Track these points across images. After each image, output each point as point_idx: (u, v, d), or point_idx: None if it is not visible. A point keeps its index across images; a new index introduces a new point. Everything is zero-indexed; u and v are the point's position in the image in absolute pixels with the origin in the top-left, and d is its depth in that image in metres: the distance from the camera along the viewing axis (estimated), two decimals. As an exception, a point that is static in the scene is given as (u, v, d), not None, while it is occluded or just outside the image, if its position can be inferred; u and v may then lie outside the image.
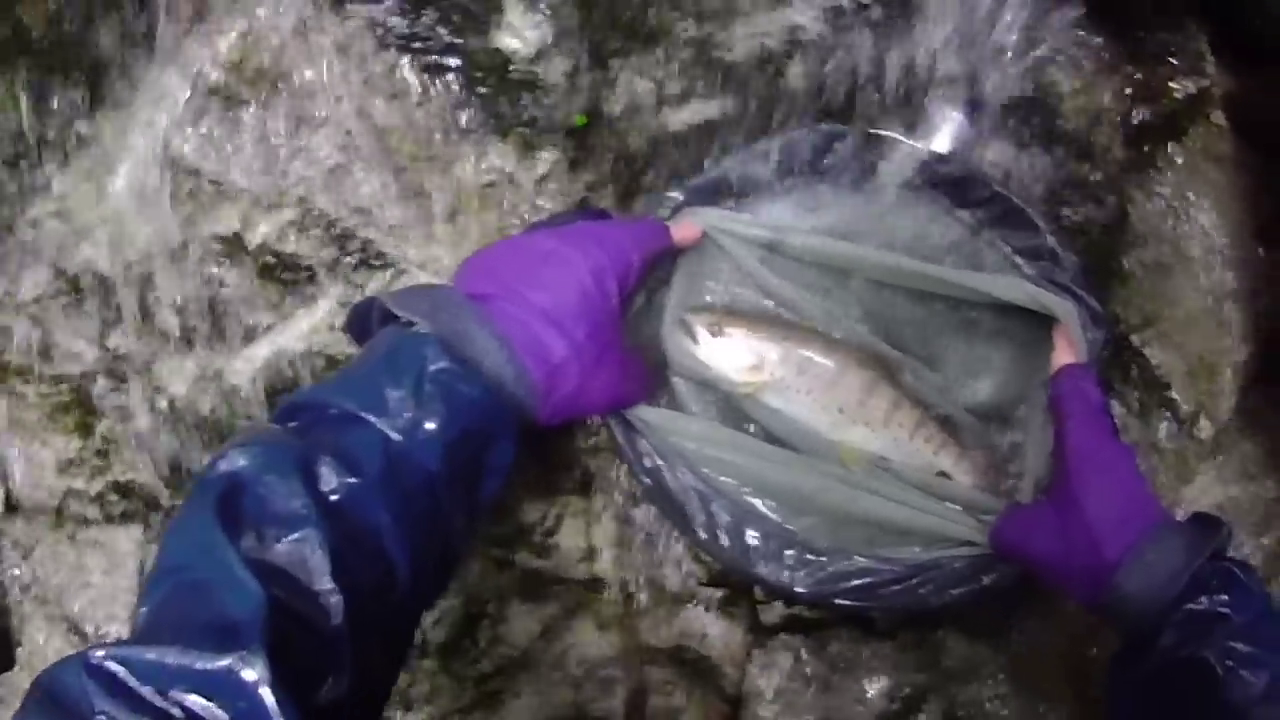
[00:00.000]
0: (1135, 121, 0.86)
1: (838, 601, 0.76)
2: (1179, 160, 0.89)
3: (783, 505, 0.78)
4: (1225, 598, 0.59)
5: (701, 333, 0.76)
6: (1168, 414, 0.88)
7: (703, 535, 0.76)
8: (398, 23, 0.77)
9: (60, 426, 0.91)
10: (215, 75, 0.79)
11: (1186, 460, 0.89)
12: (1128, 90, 0.86)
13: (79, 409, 0.90)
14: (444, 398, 0.55)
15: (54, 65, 0.80)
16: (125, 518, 0.93)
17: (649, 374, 0.75)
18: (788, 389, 0.78)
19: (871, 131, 0.78)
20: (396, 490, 0.52)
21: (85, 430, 0.91)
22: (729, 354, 0.76)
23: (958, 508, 0.79)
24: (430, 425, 0.54)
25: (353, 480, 0.50)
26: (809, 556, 0.76)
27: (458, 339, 0.57)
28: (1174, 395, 0.87)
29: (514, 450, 0.60)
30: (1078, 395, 0.72)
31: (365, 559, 0.50)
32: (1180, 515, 0.88)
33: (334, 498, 0.50)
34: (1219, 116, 0.91)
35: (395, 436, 0.53)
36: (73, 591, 0.97)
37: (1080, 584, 0.66)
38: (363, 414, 0.53)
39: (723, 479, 0.78)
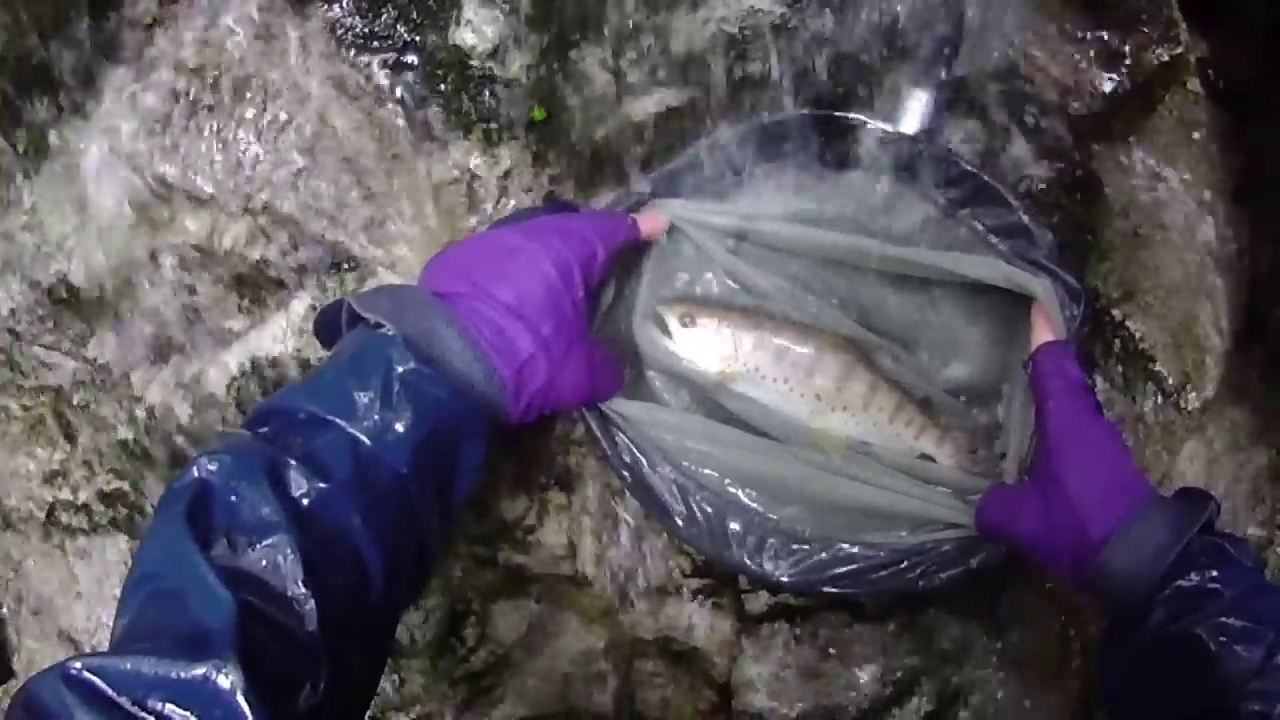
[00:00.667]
0: (1108, 91, 0.85)
1: (824, 589, 0.76)
2: (1154, 128, 0.89)
3: (764, 495, 0.78)
4: (1215, 573, 0.59)
5: (673, 324, 0.76)
6: (1153, 386, 0.87)
7: (684, 528, 0.76)
8: (357, 23, 0.77)
9: (43, 439, 0.92)
10: (178, 82, 0.79)
11: (1174, 433, 0.88)
12: (1099, 60, 0.85)
13: (61, 420, 0.91)
14: (411, 399, 0.55)
15: (19, 78, 0.80)
16: (112, 526, 0.94)
17: (620, 366, 0.75)
18: (764, 377, 0.78)
19: (838, 115, 0.77)
20: (367, 493, 0.52)
21: (69, 441, 0.92)
22: (702, 344, 0.76)
23: (942, 490, 0.79)
24: (399, 427, 0.55)
25: (322, 485, 0.51)
26: (793, 546, 0.77)
27: (424, 338, 0.57)
28: (1158, 367, 0.87)
29: (485, 449, 0.61)
30: (1057, 373, 0.72)
31: (338, 563, 0.50)
32: (1169, 490, 0.89)
33: (304, 503, 0.50)
34: (1194, 84, 0.90)
35: (364, 439, 0.54)
36: (65, 601, 0.98)
37: (1066, 563, 0.66)
38: (331, 417, 0.54)
39: (703, 470, 0.78)
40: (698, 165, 0.77)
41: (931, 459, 0.80)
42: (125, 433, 0.88)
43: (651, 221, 0.75)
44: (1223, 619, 0.57)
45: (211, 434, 0.84)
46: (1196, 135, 0.90)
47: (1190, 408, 0.87)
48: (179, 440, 0.86)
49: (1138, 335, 0.86)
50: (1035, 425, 0.74)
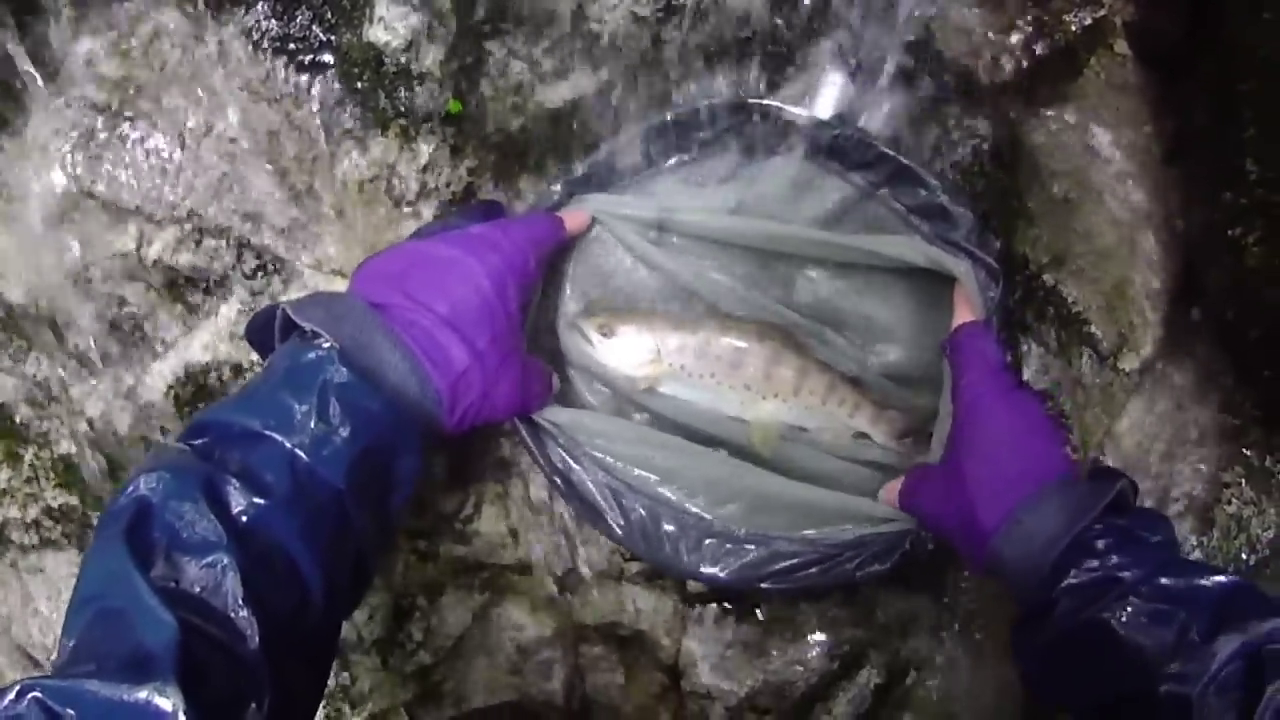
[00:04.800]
0: (1032, 56, 0.89)
1: (763, 586, 0.79)
2: (1081, 92, 0.92)
3: (698, 495, 0.81)
4: (1116, 558, 0.59)
5: (594, 336, 0.80)
6: (1089, 350, 0.91)
7: (619, 531, 0.79)
8: (273, 26, 0.81)
9: (-12, 458, 0.96)
10: (100, 95, 0.83)
11: (1113, 395, 0.92)
12: (1021, 24, 0.88)
13: (5, 438, 0.95)
14: (347, 412, 0.58)
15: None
16: (64, 540, 0.98)
17: (551, 377, 0.79)
18: (690, 375, 0.81)
19: (753, 102, 0.81)
20: (305, 508, 0.55)
21: (14, 459, 0.96)
22: (624, 352, 0.80)
23: (877, 475, 0.82)
24: (336, 440, 0.57)
25: (261, 501, 0.53)
26: (728, 545, 0.80)
27: (361, 350, 0.60)
28: (1094, 330, 0.90)
29: (420, 460, 0.63)
30: (974, 353, 0.74)
31: (278, 580, 0.53)
32: (1109, 454, 0.93)
33: (243, 519, 0.52)
34: (1121, 46, 0.94)
35: (301, 454, 0.56)
36: (22, 618, 1.02)
37: (965, 549, 0.68)
38: (267, 432, 0.56)
39: (636, 473, 0.81)
40: (614, 160, 0.81)
41: (868, 437, 0.84)
42: (68, 447, 0.92)
43: (574, 219, 0.79)
44: (1129, 604, 0.57)
45: (150, 449, 0.88)
46: (1124, 98, 0.94)
47: (1128, 369, 0.91)
48: (121, 451, 0.90)
49: (1070, 300, 0.90)
50: (952, 406, 0.76)
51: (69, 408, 0.90)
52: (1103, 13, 0.91)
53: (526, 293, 0.71)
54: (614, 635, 0.91)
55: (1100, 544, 0.60)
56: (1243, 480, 0.99)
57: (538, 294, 0.81)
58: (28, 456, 0.95)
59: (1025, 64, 0.89)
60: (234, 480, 0.53)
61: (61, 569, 1.00)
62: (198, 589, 0.49)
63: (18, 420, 0.93)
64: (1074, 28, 0.90)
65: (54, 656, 1.00)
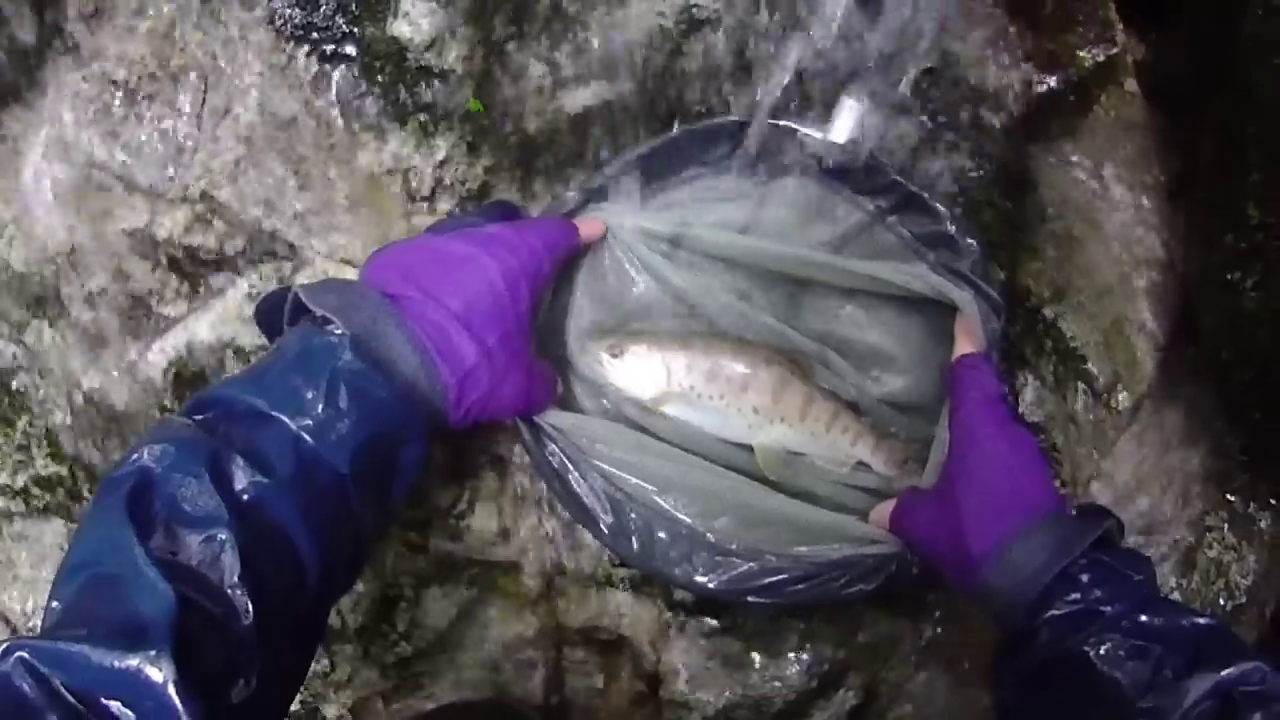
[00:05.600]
0: (1043, 91, 0.91)
1: (750, 599, 0.81)
2: (1090, 128, 0.95)
3: (694, 507, 0.82)
4: (1099, 592, 0.62)
5: (604, 358, 0.82)
6: (1084, 386, 0.93)
7: (612, 538, 0.81)
8: (296, 14, 0.82)
9: (-20, 424, 0.98)
10: (119, 71, 0.84)
11: (1104, 433, 0.94)
12: (1035, 60, 0.91)
13: (-1, 405, 0.96)
14: (355, 399, 0.59)
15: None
16: (49, 510, 0.99)
17: (555, 379, 0.80)
18: (699, 396, 0.83)
19: (771, 122, 0.82)
20: (307, 491, 0.56)
21: (7, 426, 0.97)
22: (634, 373, 0.82)
23: (869, 498, 0.84)
24: (341, 426, 0.58)
25: (264, 480, 0.54)
26: (718, 558, 0.81)
27: (372, 339, 0.61)
28: (1090, 367, 0.93)
29: (424, 451, 0.65)
30: (973, 384, 0.76)
31: (275, 559, 0.54)
32: (1098, 490, 0.95)
33: (245, 497, 0.53)
34: (1131, 84, 0.96)
35: (306, 437, 0.57)
36: (2, 584, 1.03)
37: (953, 574, 0.70)
38: (274, 412, 0.57)
39: (633, 481, 0.82)
40: (629, 171, 0.82)
41: (867, 466, 0.86)
42: (63, 418, 0.93)
43: (589, 227, 0.80)
44: (1108, 638, 0.59)
45: (154, 423, 0.89)
46: (1132, 136, 0.97)
47: (1121, 407, 0.94)
48: (116, 426, 0.91)
49: (1069, 335, 0.92)
50: (949, 434, 0.77)
51: (67, 379, 0.91)
52: (1115, 50, 0.94)
53: (537, 295, 0.72)
54: (596, 640, 0.93)
55: (1085, 578, 0.63)
56: (1225, 525, 1.01)
57: (548, 297, 0.82)
58: (21, 424, 0.96)
59: (1039, 98, 0.91)
60: (238, 458, 0.54)
61: (46, 538, 1.01)
62: (196, 562, 0.50)
63: (14, 387, 0.94)
64: (1086, 64, 0.93)
65: (32, 623, 1.02)
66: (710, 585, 0.81)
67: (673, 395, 0.82)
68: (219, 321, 0.87)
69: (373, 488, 0.61)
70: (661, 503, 0.82)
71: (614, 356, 0.81)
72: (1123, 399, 0.93)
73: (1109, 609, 0.61)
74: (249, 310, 0.86)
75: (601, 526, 0.81)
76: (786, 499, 0.82)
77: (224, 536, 0.50)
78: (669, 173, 0.84)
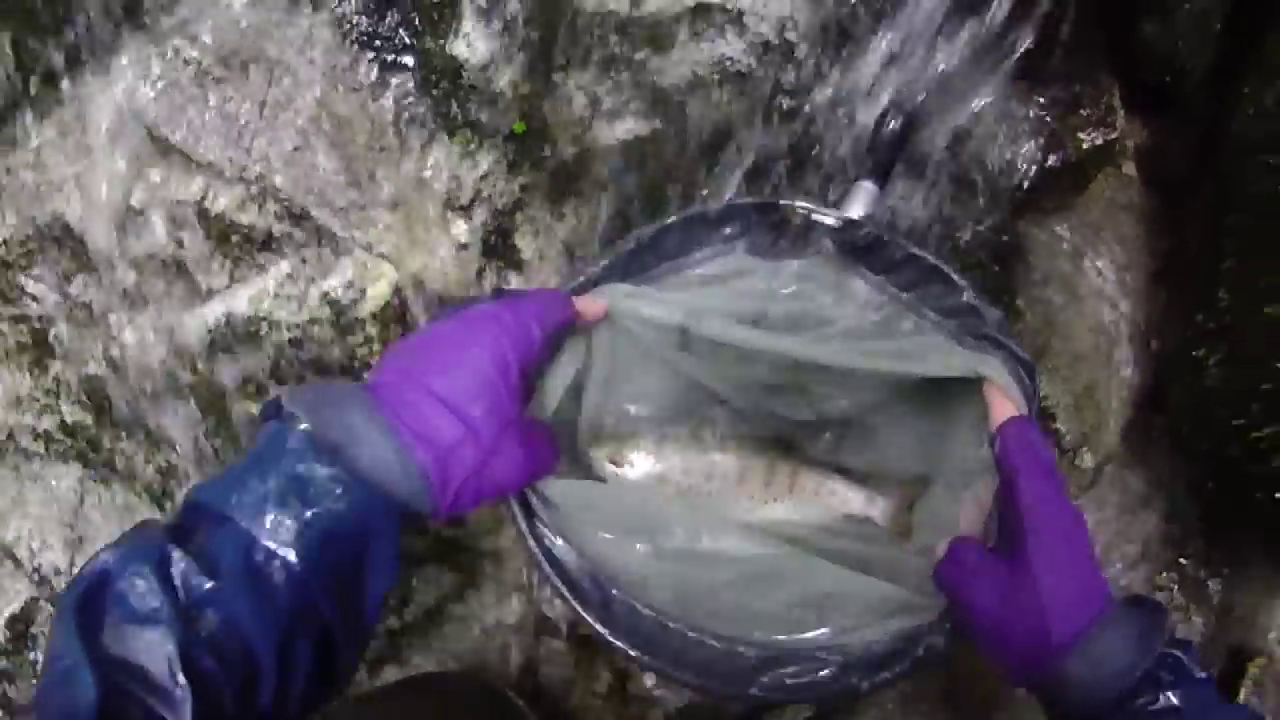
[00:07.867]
0: (1043, 167, 1.01)
1: (752, 692, 0.76)
2: (1085, 206, 1.05)
3: (689, 589, 0.79)
4: (1175, 693, 0.62)
5: (607, 467, 0.87)
6: (1053, 445, 1.03)
7: (599, 625, 0.79)
8: (363, 21, 0.92)
9: (16, 364, 1.06)
10: (192, 51, 0.94)
11: (1068, 490, 1.04)
12: (1037, 138, 1.01)
13: (36, 349, 1.05)
14: (310, 494, 0.60)
15: (41, 25, 0.94)
16: (68, 456, 1.08)
17: (556, 444, 0.78)
18: (698, 494, 0.88)
19: (784, 204, 0.85)
20: (257, 590, 0.58)
21: (41, 369, 1.06)
22: (637, 480, 0.87)
23: (881, 558, 0.83)
24: (294, 524, 0.59)
25: (209, 581, 0.56)
26: (713, 643, 0.78)
27: (334, 432, 0.61)
28: (1059, 426, 1.03)
29: (396, 544, 0.65)
30: (1028, 449, 0.73)
31: (224, 658, 0.56)
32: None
33: (190, 597, 0.56)
34: (1130, 167, 1.07)
35: (257, 537, 0.58)
36: (11, 520, 1.12)
37: (1014, 655, 0.68)
38: (229, 514, 0.59)
39: (623, 560, 0.79)
40: (638, 251, 0.84)
41: (871, 520, 0.89)
42: (96, 369, 1.02)
43: (588, 305, 0.79)
44: None
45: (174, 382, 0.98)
46: (1125, 216, 1.07)
47: (1085, 466, 1.04)
48: (147, 384, 1.01)
49: (1042, 394, 1.01)
50: (1003, 503, 0.74)
51: (105, 332, 1.00)
52: (1115, 135, 1.03)
53: (527, 364, 0.71)
54: (574, 632, 1.02)
55: (1162, 674, 0.63)
56: (1176, 586, 1.11)
57: (545, 364, 0.81)
58: (54, 369, 1.05)
59: (1037, 174, 1.01)
60: (186, 559, 0.57)
61: (63, 482, 1.10)
62: (140, 659, 0.54)
63: (52, 335, 1.03)
64: (1085, 145, 1.03)
65: (38, 560, 1.11)
66: (710, 684, 0.78)
67: (672, 494, 0.88)
68: (258, 297, 0.96)
69: (338, 582, 0.61)
70: (656, 591, 0.79)
71: (615, 465, 0.87)
72: (1087, 458, 1.03)
73: (1185, 708, 0.62)
74: (289, 289, 0.95)
75: (589, 613, 0.80)
76: (786, 555, 0.79)
77: (164, 635, 0.54)
78: (678, 252, 0.86)
